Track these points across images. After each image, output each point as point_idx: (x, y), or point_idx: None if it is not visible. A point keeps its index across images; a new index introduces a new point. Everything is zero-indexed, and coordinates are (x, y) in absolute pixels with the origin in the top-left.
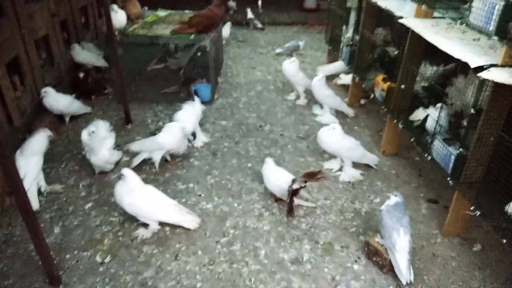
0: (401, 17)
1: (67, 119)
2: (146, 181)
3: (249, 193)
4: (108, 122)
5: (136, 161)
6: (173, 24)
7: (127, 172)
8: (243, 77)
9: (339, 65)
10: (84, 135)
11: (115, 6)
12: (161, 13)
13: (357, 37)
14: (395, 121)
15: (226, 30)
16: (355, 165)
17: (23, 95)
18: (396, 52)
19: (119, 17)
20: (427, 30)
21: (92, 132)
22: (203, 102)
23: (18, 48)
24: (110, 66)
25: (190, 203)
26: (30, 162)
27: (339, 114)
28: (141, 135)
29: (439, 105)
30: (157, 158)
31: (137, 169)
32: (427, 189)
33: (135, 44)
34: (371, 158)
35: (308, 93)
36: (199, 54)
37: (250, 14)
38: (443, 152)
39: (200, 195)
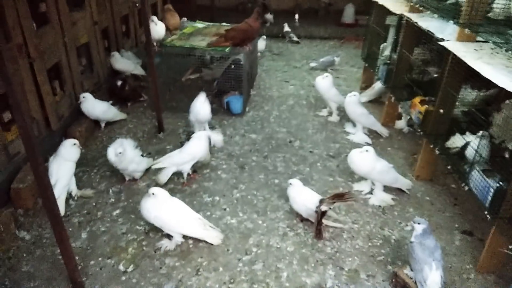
0: (442, 40)
1: (102, 124)
2: (173, 192)
3: (274, 210)
4: (140, 131)
5: (165, 177)
6: (210, 36)
7: (157, 191)
8: (275, 91)
9: (379, 88)
10: (111, 154)
11: (154, 18)
12: (199, 25)
13: (395, 56)
14: (431, 146)
15: (262, 43)
16: (387, 188)
17: (62, 100)
18: (435, 74)
19: (158, 28)
20: (469, 55)
21: (120, 153)
22: (234, 115)
23: (60, 54)
24: (147, 75)
25: (214, 217)
26: (62, 169)
27: (372, 134)
28: (172, 144)
29: (479, 133)
30: (186, 169)
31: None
32: (462, 220)
33: (172, 54)
34: (404, 182)
35: (341, 110)
36: (233, 66)
37: (286, 28)
38: (482, 184)
39: (225, 209)
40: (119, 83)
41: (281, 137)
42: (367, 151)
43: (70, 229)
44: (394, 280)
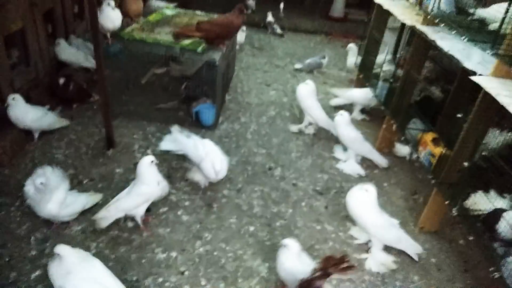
0: (473, 73)
1: (36, 135)
2: (116, 241)
3: (247, 276)
4: (83, 146)
5: (107, 222)
6: (179, 27)
7: (62, 250)
8: (254, 96)
9: (360, 94)
10: (29, 187)
11: (112, 1)
12: (168, 11)
13: (399, 72)
14: (446, 202)
15: (241, 34)
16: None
17: None
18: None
19: (113, 15)
20: (509, 97)
21: (41, 184)
22: (203, 127)
23: None
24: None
25: (168, 286)
26: None
27: (365, 162)
28: (122, 165)
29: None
30: (139, 213)
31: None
32: None
33: (130, 49)
34: (411, 246)
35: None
36: (203, 70)
37: (270, 17)
38: None
39: (183, 273)
40: (62, 80)
41: (259, 161)
42: (367, 190)
43: None
44: None
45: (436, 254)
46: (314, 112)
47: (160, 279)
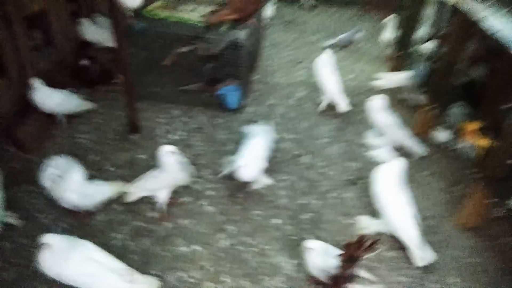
0: None
1: (62, 118)
2: (140, 233)
3: (272, 274)
4: (109, 130)
5: (133, 197)
6: (205, 4)
7: (51, 240)
8: (283, 76)
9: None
10: (45, 180)
11: None
12: None
13: (442, 50)
14: (492, 200)
15: (271, 8)
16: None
17: (2, 91)
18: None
19: None
20: None
21: (58, 177)
22: (229, 110)
23: None
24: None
25: (190, 282)
26: None
27: (400, 150)
28: (147, 151)
29: None
30: (162, 197)
31: (133, 213)
32: None
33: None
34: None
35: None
36: (226, 53)
37: None
38: None
39: (206, 268)
40: (85, 62)
41: (286, 147)
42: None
43: None
44: None
45: (479, 252)
46: (328, 80)
47: (183, 274)
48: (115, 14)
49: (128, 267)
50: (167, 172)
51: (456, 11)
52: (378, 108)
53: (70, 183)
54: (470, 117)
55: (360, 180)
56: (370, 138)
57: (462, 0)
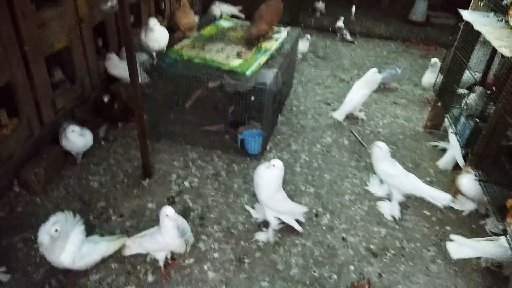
0: None
1: (79, 157)
2: None
3: None
4: (121, 173)
5: (130, 251)
6: (235, 44)
7: None
8: (311, 118)
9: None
10: (43, 236)
11: (152, 22)
12: (225, 23)
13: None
14: None
15: (305, 43)
16: None
17: (15, 131)
18: None
19: (157, 35)
20: None
21: (56, 231)
22: (250, 155)
23: (12, 71)
24: (153, 82)
25: None
26: None
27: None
28: (156, 199)
29: None
30: (160, 257)
31: (127, 274)
32: None
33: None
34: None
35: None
36: (252, 98)
37: (340, 23)
38: None
39: None
40: (107, 99)
41: (305, 203)
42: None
43: None
44: None
45: None
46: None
47: None
48: (132, 58)
49: None
50: (163, 235)
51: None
52: (379, 155)
53: (69, 242)
54: None
55: (384, 251)
56: (372, 185)
57: None
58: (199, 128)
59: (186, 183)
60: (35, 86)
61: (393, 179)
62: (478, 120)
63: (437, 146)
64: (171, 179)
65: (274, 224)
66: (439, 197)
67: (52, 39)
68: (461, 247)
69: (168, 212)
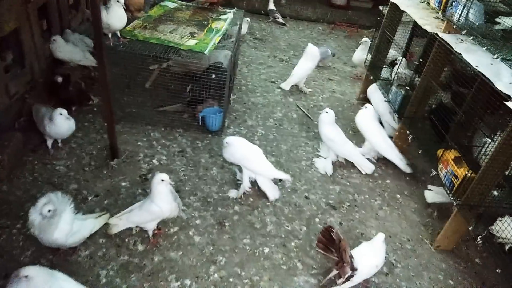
0: (506, 95)
1: (49, 143)
2: (127, 268)
3: None
4: (86, 156)
5: (117, 229)
6: (182, 25)
7: (32, 272)
8: (260, 95)
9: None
10: (34, 216)
11: None
12: (170, 4)
13: (417, 79)
14: (470, 227)
15: (245, 26)
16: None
17: None
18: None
19: (121, 13)
20: None
21: (49, 211)
22: (210, 132)
23: None
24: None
25: None
26: None
27: (377, 171)
28: (128, 178)
29: None
30: (150, 227)
31: (117, 247)
32: None
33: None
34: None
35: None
36: (213, 76)
37: (271, 5)
38: None
39: None
40: (60, 79)
41: None
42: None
43: None
44: None
45: (452, 275)
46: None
47: None
48: (99, 36)
49: None
50: (157, 203)
51: (432, 40)
52: (325, 121)
53: (62, 220)
54: (448, 147)
55: (341, 204)
56: (322, 150)
57: (440, 30)
58: (156, 109)
59: (155, 161)
60: None
61: (332, 143)
62: (408, 88)
63: None
64: (138, 159)
65: (247, 184)
66: (366, 166)
67: (1, 22)
68: (436, 194)
69: (163, 177)
